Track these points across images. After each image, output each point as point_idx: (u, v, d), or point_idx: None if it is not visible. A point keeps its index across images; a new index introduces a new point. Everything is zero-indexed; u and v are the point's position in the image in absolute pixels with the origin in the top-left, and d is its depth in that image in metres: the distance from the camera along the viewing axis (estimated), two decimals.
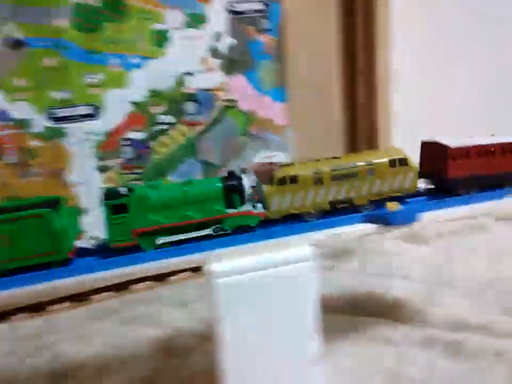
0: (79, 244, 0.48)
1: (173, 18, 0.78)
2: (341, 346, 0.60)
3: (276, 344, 0.43)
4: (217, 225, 0.47)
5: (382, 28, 0.91)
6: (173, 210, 0.46)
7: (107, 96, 0.77)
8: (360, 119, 0.96)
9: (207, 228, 0.47)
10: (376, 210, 0.48)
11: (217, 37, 0.82)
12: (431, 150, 0.54)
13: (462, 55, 1.09)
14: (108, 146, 0.78)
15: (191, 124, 0.83)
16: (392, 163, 0.51)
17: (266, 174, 0.50)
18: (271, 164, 0.51)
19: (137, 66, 0.78)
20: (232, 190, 0.47)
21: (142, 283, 0.85)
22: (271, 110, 0.89)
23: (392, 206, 0.46)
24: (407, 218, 0.46)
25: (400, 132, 0.96)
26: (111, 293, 0.85)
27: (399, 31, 0.96)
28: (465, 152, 0.51)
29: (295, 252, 0.43)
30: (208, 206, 0.46)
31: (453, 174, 0.51)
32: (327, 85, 0.95)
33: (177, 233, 0.46)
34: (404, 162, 0.51)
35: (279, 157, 0.89)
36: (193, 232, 0.47)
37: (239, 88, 0.85)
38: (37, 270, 0.44)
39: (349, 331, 0.63)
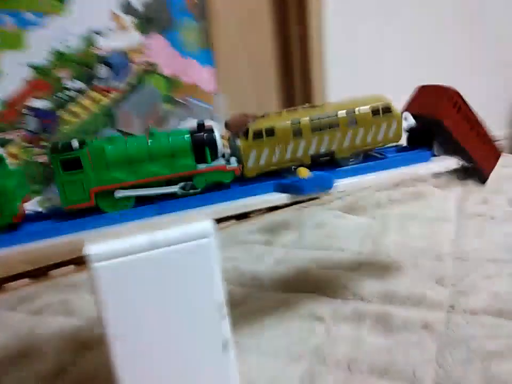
0: (27, 208, 0.41)
1: None
2: (268, 325, 0.56)
3: (177, 331, 0.38)
4: (187, 182, 0.41)
5: None
6: (135, 166, 0.39)
7: (2, 60, 0.67)
8: (295, 82, 0.91)
9: (175, 185, 0.41)
10: (286, 179, 0.43)
11: None
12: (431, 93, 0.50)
13: (394, 19, 1.05)
14: (6, 117, 0.68)
15: (105, 90, 0.74)
16: (375, 111, 0.46)
17: (239, 126, 0.44)
18: (245, 115, 0.43)
19: (36, 24, 0.68)
20: (203, 143, 0.41)
21: (63, 267, 0.77)
22: (198, 74, 0.82)
23: (304, 173, 0.41)
24: (322, 186, 0.41)
25: (334, 90, 0.91)
26: (27, 280, 0.77)
27: None
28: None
29: (192, 228, 0.37)
30: (176, 161, 0.40)
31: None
32: (259, 47, 0.89)
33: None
34: (387, 109, 0.46)
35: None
36: (157, 188, 0.40)
37: (158, 49, 0.77)
38: None
39: (278, 309, 0.58)
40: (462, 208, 0.84)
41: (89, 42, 0.72)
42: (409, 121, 0.50)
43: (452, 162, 0.49)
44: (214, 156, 0.41)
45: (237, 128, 0.44)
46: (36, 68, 0.69)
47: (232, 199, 0.42)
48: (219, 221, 0.90)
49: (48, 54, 0.69)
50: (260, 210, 0.96)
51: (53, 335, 0.60)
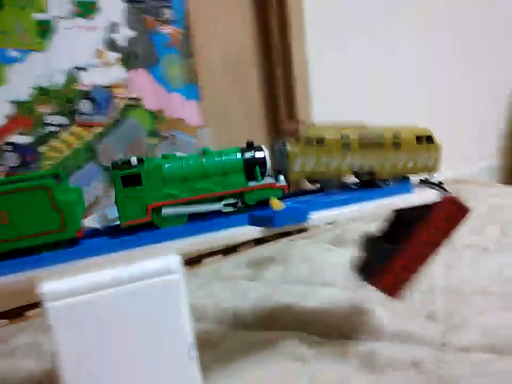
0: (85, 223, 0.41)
1: (57, 7, 0.69)
2: (246, 367, 0.53)
3: (140, 374, 0.35)
4: (238, 199, 0.42)
5: (296, 17, 0.87)
6: (189, 183, 0.41)
7: None
8: (281, 109, 0.91)
9: (223, 202, 0.42)
10: (258, 211, 0.41)
11: (113, 28, 0.74)
12: None
13: (376, 42, 1.07)
14: None
15: (88, 125, 0.74)
16: (419, 139, 0.48)
17: (292, 132, 0.45)
18: (298, 121, 0.44)
19: (18, 60, 0.68)
20: (254, 162, 0.42)
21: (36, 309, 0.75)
22: (182, 108, 0.82)
23: (277, 205, 0.39)
24: (295, 218, 0.40)
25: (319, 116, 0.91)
26: (4, 320, 0.75)
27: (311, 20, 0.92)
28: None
29: (157, 264, 0.36)
30: (228, 178, 0.42)
31: None
32: (244, 80, 0.89)
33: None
34: (429, 139, 0.48)
35: None
36: (204, 205, 0.41)
37: (142, 85, 0.78)
38: (39, 252, 0.36)
39: (258, 349, 0.55)
40: (454, 239, 0.81)
41: (72, 78, 0.72)
42: None
43: (433, 195, 0.48)
44: (264, 174, 0.43)
45: (290, 133, 0.45)
46: (17, 104, 0.69)
47: (203, 232, 0.40)
48: (204, 256, 0.87)
49: (30, 90, 0.69)
50: (246, 243, 0.95)
51: (20, 378, 0.57)
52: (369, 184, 0.48)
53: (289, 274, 0.75)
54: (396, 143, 0.47)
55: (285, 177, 0.44)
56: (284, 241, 0.90)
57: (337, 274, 0.72)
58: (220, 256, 0.86)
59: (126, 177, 0.38)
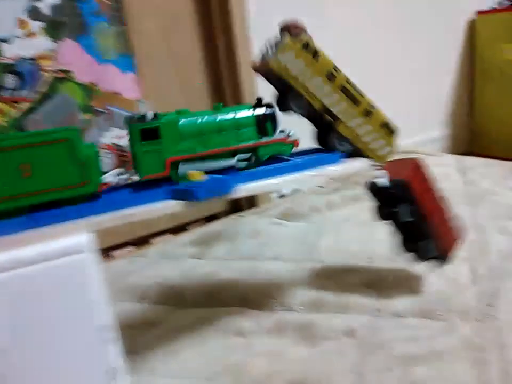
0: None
1: None
2: (185, 345, 0.51)
3: (51, 360, 0.33)
4: (251, 154, 0.44)
5: None
6: (205, 137, 0.42)
7: None
8: (222, 78, 0.88)
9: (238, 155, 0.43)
10: (180, 184, 0.39)
11: None
12: None
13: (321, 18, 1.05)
14: None
15: (13, 101, 0.69)
16: (385, 125, 0.49)
17: (294, 33, 0.44)
18: (303, 27, 0.44)
19: None
20: (265, 118, 0.44)
21: None
22: (118, 81, 0.78)
23: (196, 176, 0.37)
24: (219, 191, 0.38)
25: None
26: None
27: None
28: None
29: (63, 243, 0.33)
30: (241, 133, 0.43)
31: None
32: (183, 49, 0.85)
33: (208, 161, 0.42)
34: (391, 132, 0.50)
35: None
36: (221, 161, 0.42)
37: (72, 56, 0.73)
38: (60, 206, 0.36)
39: (199, 327, 0.54)
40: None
41: None
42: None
43: (361, 164, 0.47)
44: (275, 129, 0.44)
45: (291, 33, 0.44)
46: None
47: (120, 208, 0.38)
48: (152, 236, 0.85)
49: None
50: (196, 221, 0.93)
51: None
52: (323, 140, 0.48)
53: (237, 250, 0.73)
54: (368, 111, 0.48)
55: (265, 62, 0.44)
56: (233, 217, 0.89)
57: (284, 249, 0.72)
58: (168, 235, 0.84)
59: (145, 131, 0.38)
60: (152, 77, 0.82)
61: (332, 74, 0.45)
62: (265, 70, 0.45)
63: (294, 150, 0.46)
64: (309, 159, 0.45)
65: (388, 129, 0.49)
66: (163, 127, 0.39)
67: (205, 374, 0.47)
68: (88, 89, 0.75)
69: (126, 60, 0.78)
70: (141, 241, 0.84)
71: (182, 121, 0.40)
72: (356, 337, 0.48)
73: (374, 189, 0.50)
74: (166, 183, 0.40)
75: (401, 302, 0.53)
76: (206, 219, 0.94)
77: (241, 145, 0.43)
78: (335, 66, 0.46)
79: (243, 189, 0.40)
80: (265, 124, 0.44)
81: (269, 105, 0.45)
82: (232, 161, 0.42)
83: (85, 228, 0.35)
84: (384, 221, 0.52)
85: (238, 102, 0.87)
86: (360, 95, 0.47)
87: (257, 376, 0.45)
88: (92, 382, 0.34)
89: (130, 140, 0.40)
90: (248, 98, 0.87)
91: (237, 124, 0.43)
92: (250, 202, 0.95)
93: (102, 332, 0.34)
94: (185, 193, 0.38)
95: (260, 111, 0.44)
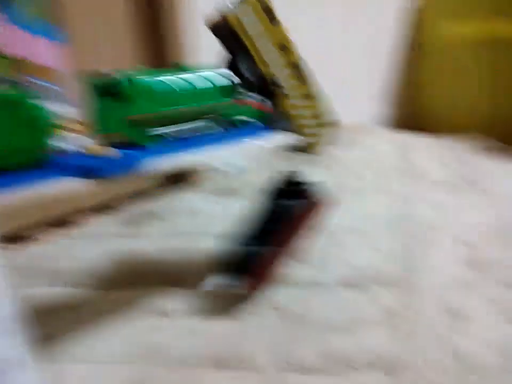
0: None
1: None
2: (104, 329, 0.50)
3: None
4: (220, 117, 0.43)
5: None
6: (168, 97, 0.40)
7: None
8: (159, 47, 0.85)
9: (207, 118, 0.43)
10: (81, 159, 0.37)
11: None
12: None
13: None
14: None
15: None
16: (320, 114, 0.49)
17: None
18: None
19: None
20: (233, 79, 0.43)
21: None
22: (46, 53, 0.73)
23: (99, 150, 0.35)
24: (127, 166, 0.36)
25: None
26: None
27: None
28: None
29: None
30: (206, 94, 0.42)
31: None
32: (115, 18, 0.81)
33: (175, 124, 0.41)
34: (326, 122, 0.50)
35: (63, 111, 0.74)
36: (190, 123, 0.41)
37: None
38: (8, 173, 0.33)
39: (120, 309, 0.52)
40: (338, 184, 0.83)
41: None
42: None
43: (285, 138, 0.47)
44: (242, 91, 0.44)
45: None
46: None
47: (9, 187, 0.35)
48: (80, 215, 0.81)
49: None
50: (129, 199, 0.90)
51: None
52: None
53: (169, 229, 0.72)
54: (300, 75, 0.46)
55: (221, 17, 0.42)
56: (168, 195, 0.87)
57: (218, 226, 0.71)
58: (99, 214, 0.81)
59: (104, 88, 0.37)
60: (85, 48, 0.77)
61: (285, 46, 0.45)
62: (220, 27, 0.43)
63: None
64: (233, 132, 0.44)
65: (323, 120, 0.49)
66: (125, 84, 0.37)
67: (126, 358, 0.45)
68: (13, 62, 0.70)
69: (54, 29, 0.73)
70: (68, 222, 0.81)
71: (143, 79, 0.39)
72: (281, 310, 0.48)
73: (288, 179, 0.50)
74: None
75: (327, 273, 0.54)
76: (140, 196, 0.92)
77: (206, 106, 0.42)
78: (291, 41, 0.45)
79: (156, 164, 0.39)
80: (232, 86, 0.43)
81: (235, 66, 0.44)
82: (200, 124, 0.42)
83: None
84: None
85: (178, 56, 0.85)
86: (307, 79, 0.47)
87: (178, 356, 0.44)
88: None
89: (88, 98, 0.38)
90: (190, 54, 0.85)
91: (202, 84, 0.41)
92: (187, 178, 0.93)
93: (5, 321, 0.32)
94: (87, 170, 0.35)
95: (225, 72, 0.43)
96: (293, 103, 0.47)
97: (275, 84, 0.46)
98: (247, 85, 0.45)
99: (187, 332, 0.47)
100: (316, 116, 0.49)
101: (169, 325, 0.49)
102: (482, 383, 0.37)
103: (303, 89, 0.47)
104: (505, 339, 0.41)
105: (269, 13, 0.43)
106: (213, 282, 0.50)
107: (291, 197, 0.49)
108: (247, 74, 0.45)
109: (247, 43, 0.43)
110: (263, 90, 0.48)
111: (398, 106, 1.41)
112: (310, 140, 0.49)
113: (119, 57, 0.83)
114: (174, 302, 0.52)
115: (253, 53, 0.43)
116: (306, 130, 0.49)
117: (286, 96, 0.46)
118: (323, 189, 0.50)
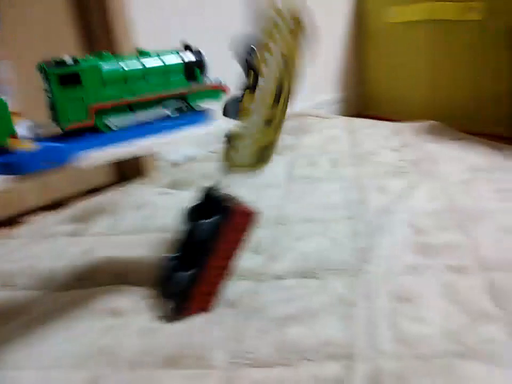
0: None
1: None
2: (54, 331, 0.47)
3: None
4: (183, 103, 0.42)
5: None
6: (131, 84, 0.39)
7: None
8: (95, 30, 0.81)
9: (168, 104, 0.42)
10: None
11: None
12: None
13: None
14: None
15: None
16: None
17: None
18: None
19: None
20: (193, 63, 0.42)
21: None
22: None
23: (18, 144, 0.32)
24: (50, 160, 0.33)
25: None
26: None
27: None
28: None
29: None
30: (169, 79, 0.41)
31: None
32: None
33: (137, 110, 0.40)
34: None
35: None
36: (151, 111, 0.41)
37: None
38: None
39: (71, 310, 0.50)
40: (290, 173, 0.83)
41: None
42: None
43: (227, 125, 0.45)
44: (203, 74, 0.43)
45: None
46: None
47: None
48: (25, 214, 0.76)
49: None
50: (75, 196, 0.86)
51: None
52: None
53: (119, 224, 0.69)
54: (271, 121, 0.44)
55: None
56: (118, 189, 0.84)
57: (170, 220, 0.69)
58: (45, 212, 0.77)
59: (64, 76, 0.36)
60: (14, 33, 0.72)
61: (286, 61, 0.43)
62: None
63: None
64: (172, 122, 0.42)
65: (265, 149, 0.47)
66: (85, 72, 0.36)
67: (74, 361, 0.43)
68: None
69: None
70: (13, 221, 0.76)
71: (104, 65, 0.38)
72: (236, 304, 0.47)
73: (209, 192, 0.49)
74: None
75: (281, 264, 0.53)
76: (88, 192, 0.88)
77: (171, 92, 0.41)
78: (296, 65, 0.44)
79: (89, 157, 0.36)
80: (194, 70, 0.42)
81: (196, 52, 0.43)
82: (163, 111, 0.41)
83: None
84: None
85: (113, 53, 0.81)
86: (284, 104, 0.45)
87: (131, 356, 0.43)
88: None
89: (47, 87, 0.36)
90: (124, 49, 0.81)
91: (165, 70, 0.41)
92: (137, 171, 0.90)
93: None
94: (7, 165, 0.32)
95: (188, 56, 0.42)
96: (254, 108, 0.43)
97: (255, 81, 0.43)
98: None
99: (140, 331, 0.46)
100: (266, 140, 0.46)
101: (122, 325, 0.47)
102: (431, 368, 0.38)
103: (273, 108, 0.44)
104: (456, 324, 0.42)
105: (297, 25, 0.42)
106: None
107: (212, 214, 0.47)
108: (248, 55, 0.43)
109: (265, 29, 0.41)
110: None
111: (348, 92, 1.43)
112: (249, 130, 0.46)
113: (52, 44, 0.78)
114: (125, 301, 0.50)
115: (265, 41, 0.41)
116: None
117: (252, 96, 0.43)
118: (242, 201, 0.49)
